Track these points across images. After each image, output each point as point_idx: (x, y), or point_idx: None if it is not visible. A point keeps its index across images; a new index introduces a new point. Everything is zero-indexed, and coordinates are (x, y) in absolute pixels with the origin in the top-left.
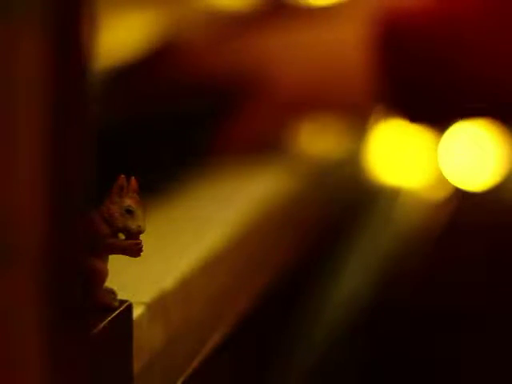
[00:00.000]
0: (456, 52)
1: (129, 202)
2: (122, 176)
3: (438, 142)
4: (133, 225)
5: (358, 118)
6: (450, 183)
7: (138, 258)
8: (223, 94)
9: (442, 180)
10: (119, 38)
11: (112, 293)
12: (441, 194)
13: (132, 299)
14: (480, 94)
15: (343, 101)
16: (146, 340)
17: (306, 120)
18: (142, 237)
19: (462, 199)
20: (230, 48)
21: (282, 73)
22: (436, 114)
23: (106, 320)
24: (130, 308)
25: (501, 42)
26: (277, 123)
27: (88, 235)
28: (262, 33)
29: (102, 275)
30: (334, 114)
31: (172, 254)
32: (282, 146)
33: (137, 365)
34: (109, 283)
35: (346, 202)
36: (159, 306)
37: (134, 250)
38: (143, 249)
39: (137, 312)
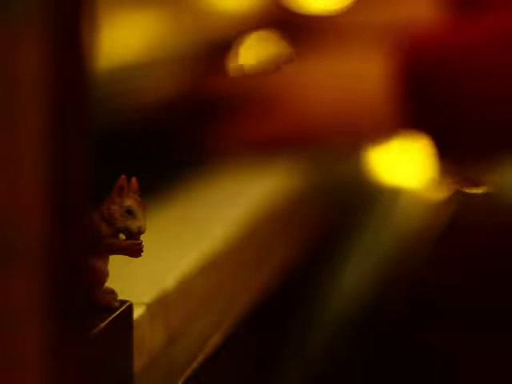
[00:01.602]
0: (480, 82)
1: (129, 202)
2: (123, 176)
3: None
4: (133, 225)
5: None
6: (450, 183)
7: (138, 258)
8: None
9: (441, 180)
10: (119, 38)
11: (112, 293)
12: (441, 195)
13: (132, 299)
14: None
15: (365, 129)
16: (146, 340)
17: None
18: (142, 237)
19: (462, 200)
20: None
21: (303, 97)
22: (463, 146)
23: (107, 320)
24: (130, 308)
25: None
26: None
27: (88, 235)
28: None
29: (102, 275)
30: (353, 141)
31: (172, 254)
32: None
33: (137, 365)
34: (109, 283)
35: (346, 202)
36: (159, 306)
37: (135, 251)
38: (143, 249)
39: (137, 312)
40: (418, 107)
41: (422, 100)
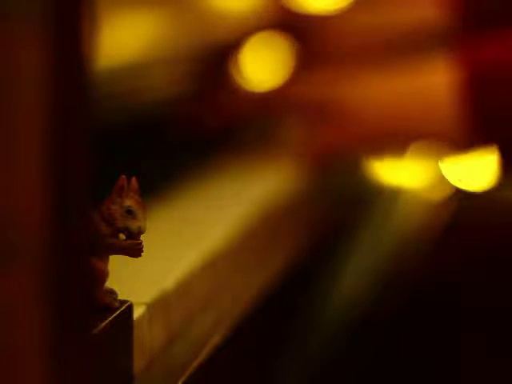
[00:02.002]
0: None
1: (129, 202)
2: (123, 176)
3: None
4: (133, 225)
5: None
6: (450, 184)
7: (138, 258)
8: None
9: (441, 180)
10: (120, 38)
11: (112, 293)
12: (441, 195)
13: (132, 299)
14: None
15: (430, 141)
16: (147, 340)
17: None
18: (142, 237)
19: (462, 200)
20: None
21: (371, 113)
22: None
23: (107, 320)
24: (130, 308)
25: None
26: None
27: (88, 235)
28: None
29: (103, 275)
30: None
31: (172, 254)
32: (281, 151)
33: (137, 365)
34: (109, 283)
35: (346, 202)
36: (159, 306)
37: (135, 250)
38: (143, 249)
39: (137, 312)
40: (482, 121)
41: (487, 115)
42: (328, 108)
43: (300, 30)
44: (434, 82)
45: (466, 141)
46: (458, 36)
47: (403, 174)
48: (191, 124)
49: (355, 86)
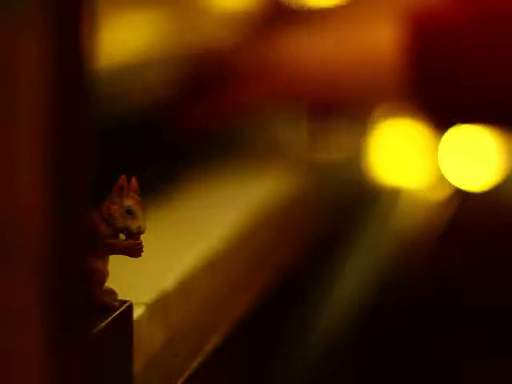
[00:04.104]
0: (482, 52)
1: (129, 202)
2: (123, 176)
3: (438, 142)
4: (133, 225)
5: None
6: (450, 184)
7: (138, 258)
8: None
9: (442, 180)
10: (120, 37)
11: (112, 293)
12: (441, 195)
13: (132, 299)
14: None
15: (372, 96)
16: (146, 340)
17: (303, 121)
18: (142, 237)
19: (462, 200)
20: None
21: (308, 66)
22: (463, 116)
23: (106, 320)
24: (130, 308)
25: None
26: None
27: (88, 235)
28: (290, 29)
29: (102, 275)
30: (360, 108)
31: (172, 254)
32: (280, 151)
33: (137, 365)
34: (109, 283)
35: (346, 202)
36: (159, 306)
37: (135, 250)
38: (143, 249)
39: (137, 312)
40: (421, 76)
41: (426, 70)
42: (258, 66)
43: None
44: (374, 38)
45: (406, 100)
46: None
47: (403, 174)
48: (188, 124)
49: (286, 44)
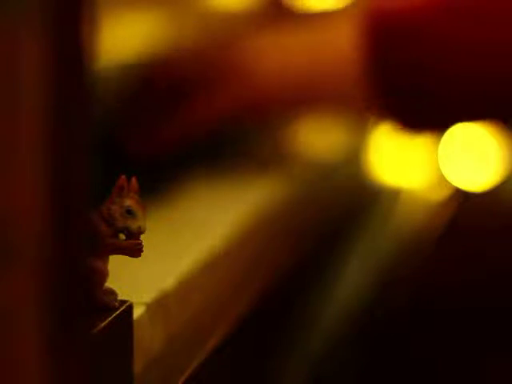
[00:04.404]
0: (446, 51)
1: (129, 202)
2: (123, 176)
3: (437, 142)
4: (133, 225)
5: (353, 118)
6: (449, 184)
7: (138, 258)
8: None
9: (441, 181)
10: (120, 37)
11: (112, 293)
12: (441, 195)
13: (132, 299)
14: (475, 94)
15: (334, 100)
16: (146, 340)
17: (304, 121)
18: (142, 237)
19: (462, 200)
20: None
21: (267, 70)
22: (429, 118)
23: (106, 320)
24: (130, 308)
25: (495, 41)
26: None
27: (88, 235)
28: (254, 32)
29: (102, 275)
30: (324, 112)
31: (172, 254)
32: (280, 151)
33: (137, 365)
34: (109, 283)
35: (345, 203)
36: (159, 306)
37: (135, 251)
38: (143, 249)
39: (137, 312)
40: (382, 75)
41: (387, 69)
42: (217, 71)
43: None
44: (332, 37)
45: (367, 100)
46: None
47: (403, 174)
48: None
49: (246, 46)
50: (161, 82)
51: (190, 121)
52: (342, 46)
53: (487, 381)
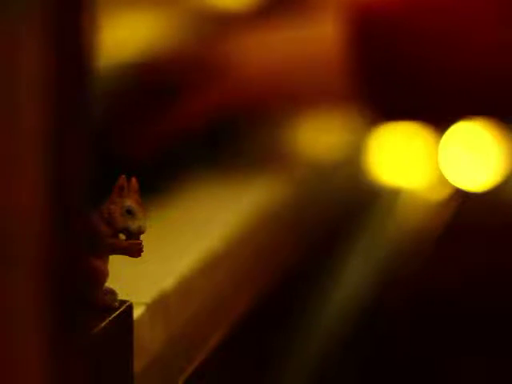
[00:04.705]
0: (429, 42)
1: (129, 202)
2: (123, 176)
3: (437, 142)
4: (133, 225)
5: (352, 117)
6: (450, 184)
7: (138, 258)
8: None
9: (441, 180)
10: (120, 37)
11: (112, 293)
12: (441, 195)
13: (132, 299)
14: (458, 86)
15: (320, 97)
16: (146, 340)
17: (304, 121)
18: (142, 237)
19: (462, 200)
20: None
21: (253, 68)
22: (414, 111)
23: (106, 320)
24: (130, 308)
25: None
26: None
27: (88, 235)
28: (239, 30)
29: (103, 275)
30: (312, 110)
31: (172, 254)
32: (280, 150)
33: (137, 365)
34: (109, 283)
35: (345, 202)
36: (159, 306)
37: (135, 250)
38: (143, 249)
39: (137, 312)
40: (367, 69)
41: (369, 62)
42: (205, 69)
43: None
44: (319, 35)
45: (353, 96)
46: None
47: (403, 174)
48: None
49: (234, 43)
50: (152, 81)
51: (181, 118)
52: (327, 41)
53: (487, 380)
